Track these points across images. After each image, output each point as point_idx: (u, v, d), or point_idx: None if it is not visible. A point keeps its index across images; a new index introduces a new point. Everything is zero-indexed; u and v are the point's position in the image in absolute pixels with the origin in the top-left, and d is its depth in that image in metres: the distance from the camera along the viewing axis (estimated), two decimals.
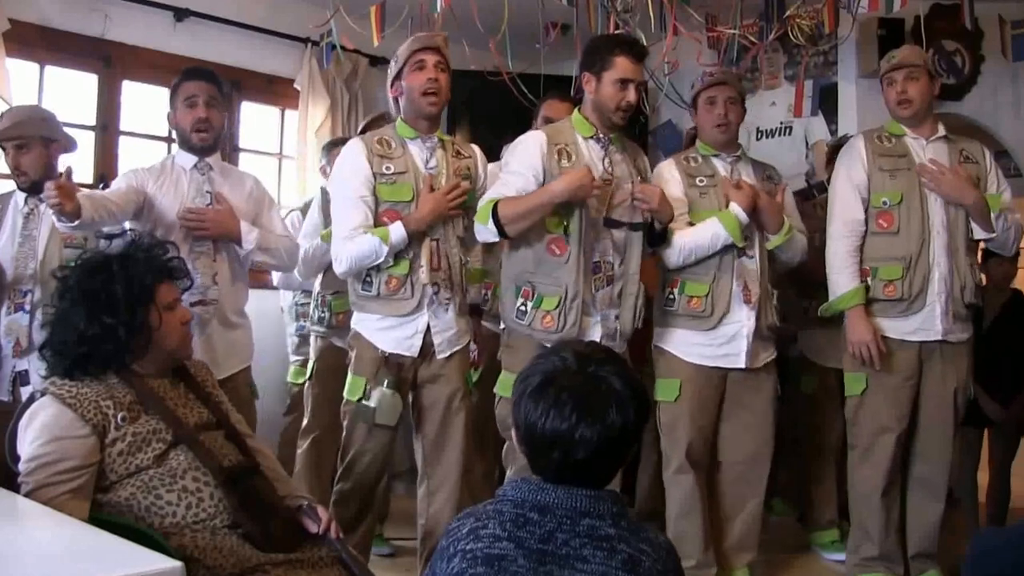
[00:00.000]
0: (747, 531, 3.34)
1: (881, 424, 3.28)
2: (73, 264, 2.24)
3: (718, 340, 3.22)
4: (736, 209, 3.14)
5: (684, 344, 3.25)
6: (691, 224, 3.20)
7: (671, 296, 3.26)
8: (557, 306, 2.93)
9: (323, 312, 3.80)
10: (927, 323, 3.27)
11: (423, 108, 2.98)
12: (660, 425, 3.30)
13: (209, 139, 3.19)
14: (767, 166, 3.50)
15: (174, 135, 4.60)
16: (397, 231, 2.86)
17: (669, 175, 3.31)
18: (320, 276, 3.81)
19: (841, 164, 3.41)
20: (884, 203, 3.27)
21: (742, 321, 3.21)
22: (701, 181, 3.29)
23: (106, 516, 1.99)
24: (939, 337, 3.28)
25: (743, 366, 3.23)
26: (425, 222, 2.89)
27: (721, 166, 3.33)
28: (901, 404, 3.28)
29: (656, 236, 3.13)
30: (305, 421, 3.94)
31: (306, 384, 3.96)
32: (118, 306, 2.11)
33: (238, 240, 3.15)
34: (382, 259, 2.88)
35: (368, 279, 2.96)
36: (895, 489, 3.34)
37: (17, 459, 2.06)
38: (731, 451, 3.31)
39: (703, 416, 3.25)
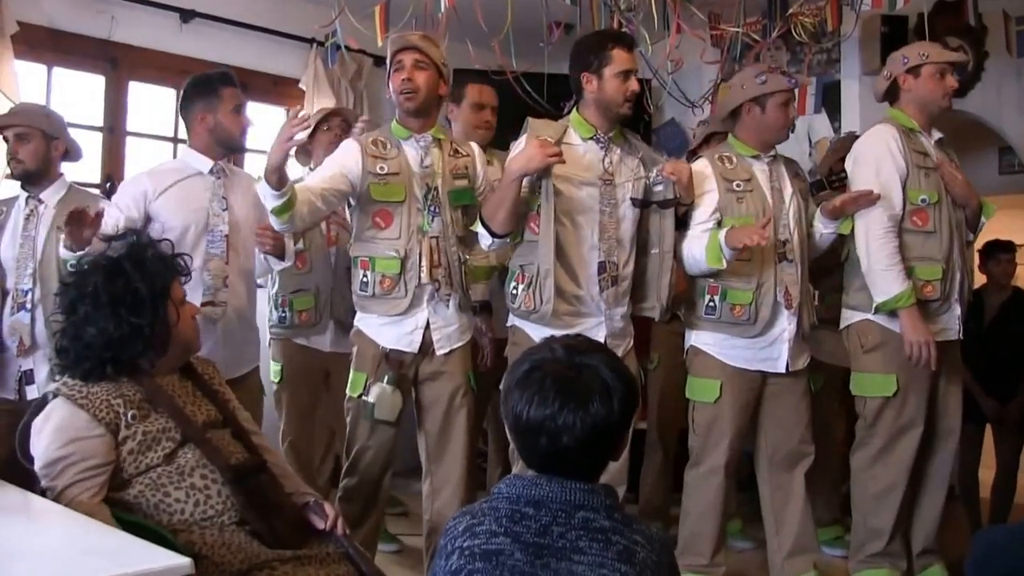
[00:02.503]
0: (801, 531, 3.24)
1: (907, 422, 3.24)
2: (80, 269, 2.24)
3: (759, 344, 3.17)
4: (722, 239, 3.00)
5: (724, 347, 3.19)
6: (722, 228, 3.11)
7: (712, 304, 3.17)
8: (530, 285, 2.94)
9: (284, 312, 3.73)
10: (950, 322, 3.27)
11: (403, 106, 3.01)
12: (694, 424, 3.25)
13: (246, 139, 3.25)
14: (792, 161, 3.44)
15: (181, 136, 4.67)
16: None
17: (703, 176, 3.19)
18: (277, 278, 3.73)
19: (876, 151, 3.26)
20: (923, 201, 3.20)
21: (783, 326, 3.17)
22: (738, 185, 3.17)
23: (115, 513, 2.01)
24: (956, 336, 3.29)
25: (783, 371, 3.20)
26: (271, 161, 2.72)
27: (758, 167, 3.25)
28: (924, 401, 3.26)
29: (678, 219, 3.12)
30: (282, 425, 3.90)
31: (276, 387, 3.88)
32: (143, 305, 2.14)
33: (282, 255, 3.18)
34: (268, 202, 2.78)
35: (365, 279, 2.99)
36: (907, 486, 3.33)
37: (30, 458, 2.10)
38: (770, 450, 3.27)
39: (742, 418, 3.21)
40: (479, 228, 2.94)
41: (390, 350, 2.99)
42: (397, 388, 2.97)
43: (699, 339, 3.24)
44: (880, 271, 3.16)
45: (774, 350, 3.19)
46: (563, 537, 1.46)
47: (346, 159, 2.99)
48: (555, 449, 1.50)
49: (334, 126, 3.90)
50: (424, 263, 2.94)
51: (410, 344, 3.00)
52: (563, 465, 1.52)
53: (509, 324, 3.12)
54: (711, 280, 3.16)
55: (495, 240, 2.93)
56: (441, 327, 3.01)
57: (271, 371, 3.87)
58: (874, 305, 3.19)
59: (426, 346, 3.01)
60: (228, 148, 3.24)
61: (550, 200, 2.90)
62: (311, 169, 3.87)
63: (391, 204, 2.97)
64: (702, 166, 3.22)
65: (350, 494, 3.07)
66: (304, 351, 3.78)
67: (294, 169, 5.12)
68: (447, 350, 3.03)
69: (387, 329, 3.00)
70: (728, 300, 3.15)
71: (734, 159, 3.23)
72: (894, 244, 3.16)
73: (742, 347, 3.17)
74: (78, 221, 2.77)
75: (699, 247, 3.08)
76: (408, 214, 2.96)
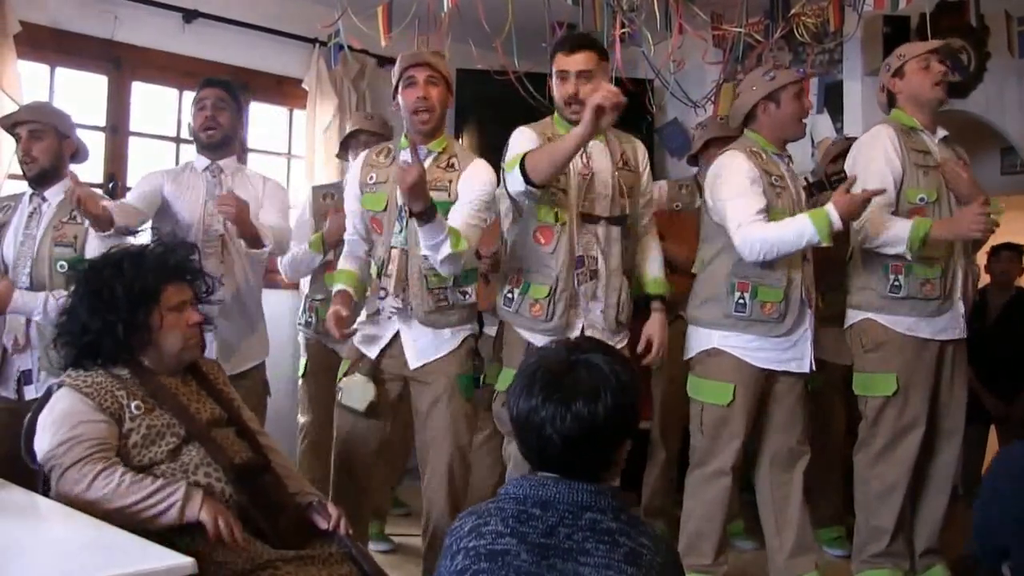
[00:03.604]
0: (801, 530, 3.24)
1: (909, 421, 3.25)
2: (92, 259, 2.36)
3: (783, 345, 3.16)
4: (832, 212, 2.94)
5: (751, 348, 3.15)
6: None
7: (741, 301, 3.13)
8: (547, 296, 2.95)
9: (310, 317, 3.87)
10: (952, 322, 3.26)
11: (415, 126, 2.98)
12: (701, 426, 3.22)
13: (216, 136, 3.34)
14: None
15: (184, 136, 4.70)
16: None
17: (742, 167, 3.12)
18: (309, 280, 3.87)
19: (874, 151, 3.25)
20: (921, 200, 3.20)
21: (805, 324, 3.17)
22: (776, 180, 3.15)
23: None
24: (960, 335, 3.28)
25: (807, 370, 3.20)
26: None
27: (783, 166, 3.23)
28: (926, 401, 3.26)
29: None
30: (301, 421, 3.99)
31: (300, 381, 4.00)
32: (118, 304, 2.18)
33: (256, 238, 3.23)
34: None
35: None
36: (909, 486, 3.33)
37: (33, 455, 2.11)
38: (772, 450, 3.26)
39: (751, 419, 3.19)
40: (513, 172, 2.85)
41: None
42: (371, 380, 2.99)
43: (725, 341, 3.17)
44: (882, 239, 3.15)
45: (798, 350, 3.18)
46: (570, 538, 1.46)
47: (353, 180, 3.10)
48: (541, 442, 1.50)
49: (363, 140, 3.95)
50: (392, 273, 2.95)
51: (369, 350, 3.02)
52: (554, 460, 1.52)
53: (501, 319, 3.12)
54: (739, 278, 3.13)
55: (527, 188, 2.83)
56: (411, 342, 2.99)
57: (300, 365, 3.97)
58: (909, 256, 3.12)
59: (398, 354, 3.01)
60: (201, 145, 3.38)
61: (572, 222, 2.94)
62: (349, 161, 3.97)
63: (377, 213, 3.00)
64: (743, 160, 3.14)
65: (339, 492, 3.07)
66: (327, 352, 3.85)
67: (295, 169, 5.15)
68: (418, 365, 2.99)
69: (364, 326, 3.06)
70: (759, 298, 3.12)
71: (764, 155, 3.20)
72: (879, 219, 3.15)
73: (769, 348, 3.15)
74: (80, 207, 2.87)
75: (776, 232, 3.00)
76: (388, 224, 2.98)
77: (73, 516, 1.88)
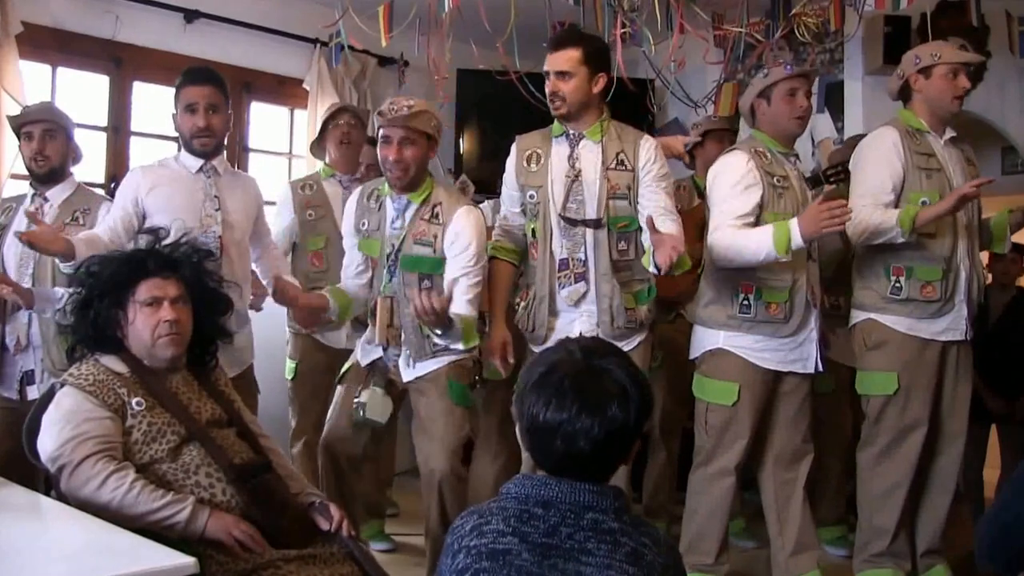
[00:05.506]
0: (804, 528, 3.24)
1: (911, 421, 3.24)
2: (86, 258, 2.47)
3: (790, 345, 3.15)
4: (794, 227, 2.90)
5: (756, 349, 3.14)
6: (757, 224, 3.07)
7: (746, 302, 3.12)
8: (528, 307, 3.06)
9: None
10: (955, 323, 3.25)
11: (392, 183, 3.02)
12: (706, 425, 3.21)
13: (210, 144, 3.19)
14: None
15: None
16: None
17: (738, 168, 3.10)
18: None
19: (875, 152, 3.25)
20: (923, 203, 3.16)
21: (811, 325, 3.17)
22: (778, 180, 3.13)
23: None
24: (963, 337, 3.28)
25: (812, 370, 3.20)
26: None
27: (787, 164, 3.22)
28: (928, 401, 3.26)
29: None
30: (294, 424, 3.96)
31: (290, 385, 3.97)
32: (91, 296, 2.25)
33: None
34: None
35: None
36: (911, 486, 3.32)
37: (36, 453, 2.12)
38: (777, 448, 3.26)
39: (757, 419, 3.19)
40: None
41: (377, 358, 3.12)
42: (387, 393, 3.05)
43: (730, 341, 3.16)
44: (872, 225, 3.12)
45: (804, 350, 3.18)
46: (571, 538, 1.46)
47: (349, 217, 3.17)
48: (570, 452, 1.49)
49: (342, 123, 3.94)
50: (378, 321, 3.03)
51: (362, 360, 3.13)
52: (576, 468, 1.51)
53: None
54: (744, 279, 3.12)
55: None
56: (404, 364, 3.07)
57: (286, 368, 3.91)
58: (902, 238, 3.11)
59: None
60: (187, 148, 3.23)
61: (548, 232, 3.01)
62: (326, 163, 3.99)
63: (374, 258, 3.10)
64: (742, 160, 3.13)
65: (328, 493, 3.08)
66: (319, 348, 3.85)
67: (296, 169, 5.15)
68: (410, 378, 3.07)
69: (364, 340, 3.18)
70: (763, 298, 3.11)
71: (768, 155, 3.19)
72: (867, 213, 3.14)
73: (775, 349, 3.15)
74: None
75: (739, 240, 3.00)
76: (380, 268, 3.06)
77: (75, 516, 1.89)
